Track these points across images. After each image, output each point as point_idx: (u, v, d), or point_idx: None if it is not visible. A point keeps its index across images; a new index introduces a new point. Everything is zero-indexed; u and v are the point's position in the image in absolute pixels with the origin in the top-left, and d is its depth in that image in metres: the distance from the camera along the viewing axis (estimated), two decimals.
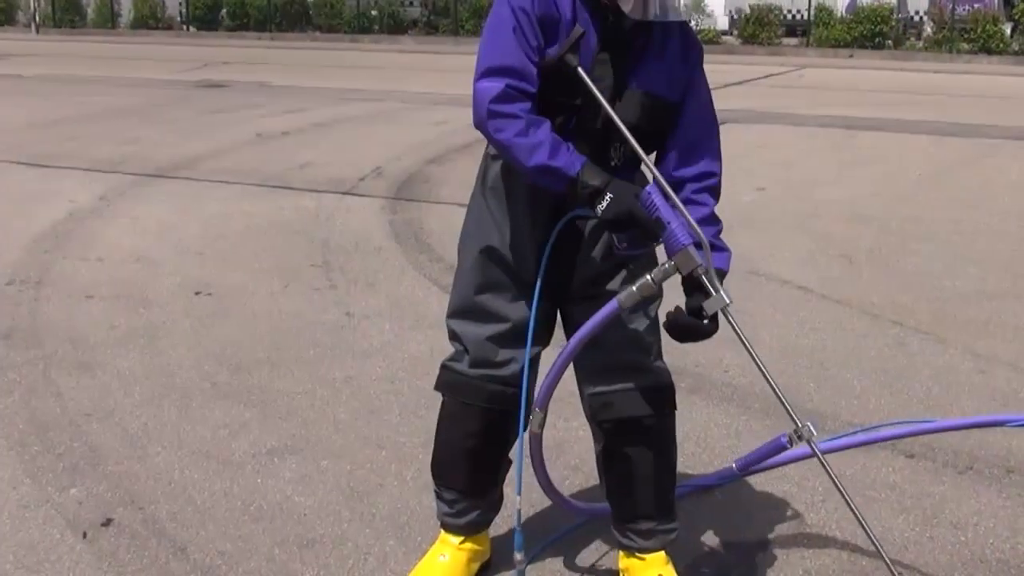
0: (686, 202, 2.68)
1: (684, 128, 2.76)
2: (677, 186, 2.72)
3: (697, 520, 3.42)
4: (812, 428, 2.61)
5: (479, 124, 2.60)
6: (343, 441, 4.03)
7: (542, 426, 2.86)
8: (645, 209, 2.53)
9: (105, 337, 5.13)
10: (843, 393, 4.52)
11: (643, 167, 2.76)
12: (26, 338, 5.13)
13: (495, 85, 2.55)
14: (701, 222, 2.65)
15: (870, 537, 2.62)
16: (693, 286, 2.60)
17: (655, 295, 2.65)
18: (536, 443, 2.90)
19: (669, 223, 2.52)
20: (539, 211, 2.76)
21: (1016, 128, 12.01)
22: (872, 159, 10.15)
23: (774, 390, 2.66)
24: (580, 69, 2.56)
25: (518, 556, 2.86)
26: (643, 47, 2.68)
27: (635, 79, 2.67)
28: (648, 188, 2.56)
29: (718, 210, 2.80)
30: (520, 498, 2.83)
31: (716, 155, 2.81)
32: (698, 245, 2.54)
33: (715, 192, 2.80)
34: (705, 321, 2.59)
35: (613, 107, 2.61)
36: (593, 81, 2.60)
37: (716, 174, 2.79)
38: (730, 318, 2.60)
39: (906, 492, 3.65)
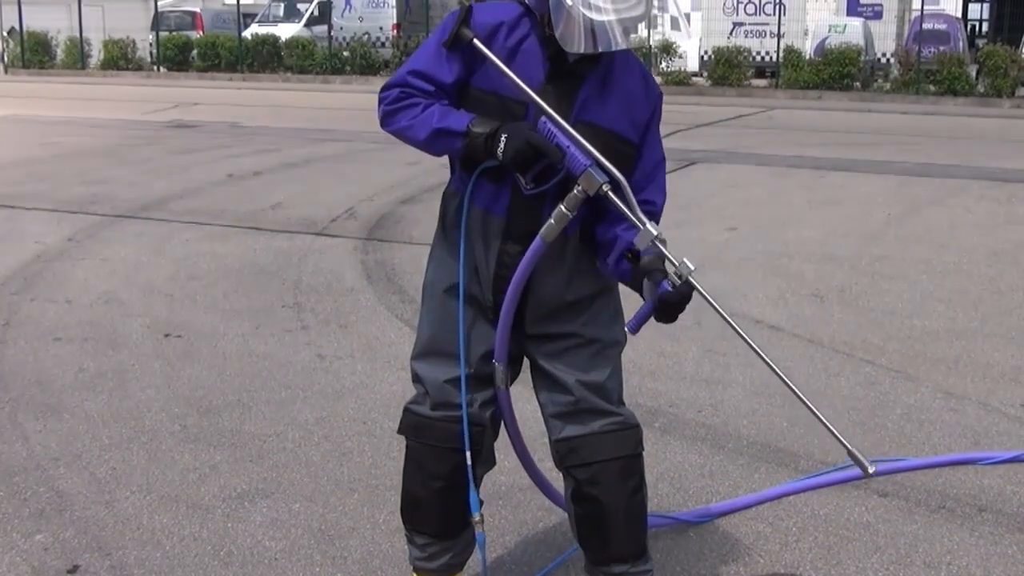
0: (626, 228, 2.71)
1: (637, 168, 2.78)
2: (618, 217, 2.73)
3: (672, 562, 3.41)
4: (689, 263, 2.55)
5: (380, 125, 2.78)
6: (315, 484, 3.99)
7: (504, 381, 2.86)
8: (543, 137, 2.59)
9: (73, 380, 5.08)
10: (815, 432, 4.52)
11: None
12: None
13: (390, 92, 2.73)
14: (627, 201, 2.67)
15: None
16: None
17: (568, 221, 2.63)
18: (505, 400, 2.91)
19: (568, 147, 2.58)
20: (490, 243, 2.78)
21: (982, 168, 12.16)
22: (841, 199, 10.24)
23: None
24: (476, 41, 2.64)
25: (476, 516, 2.86)
26: (603, 83, 2.70)
27: (590, 113, 2.69)
28: (542, 119, 2.60)
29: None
30: (469, 454, 2.81)
31: (660, 188, 2.84)
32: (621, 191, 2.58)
33: (653, 218, 2.78)
34: (667, 286, 2.56)
35: None
36: (539, 111, 2.63)
37: (655, 203, 2.81)
38: (665, 250, 2.57)
39: (879, 531, 3.65)
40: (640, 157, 2.79)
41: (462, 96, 2.72)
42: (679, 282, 2.56)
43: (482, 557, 2.92)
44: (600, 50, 2.55)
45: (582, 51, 2.56)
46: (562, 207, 2.60)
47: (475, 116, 2.65)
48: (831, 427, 2.69)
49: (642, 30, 27.68)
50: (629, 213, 2.58)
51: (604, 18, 2.50)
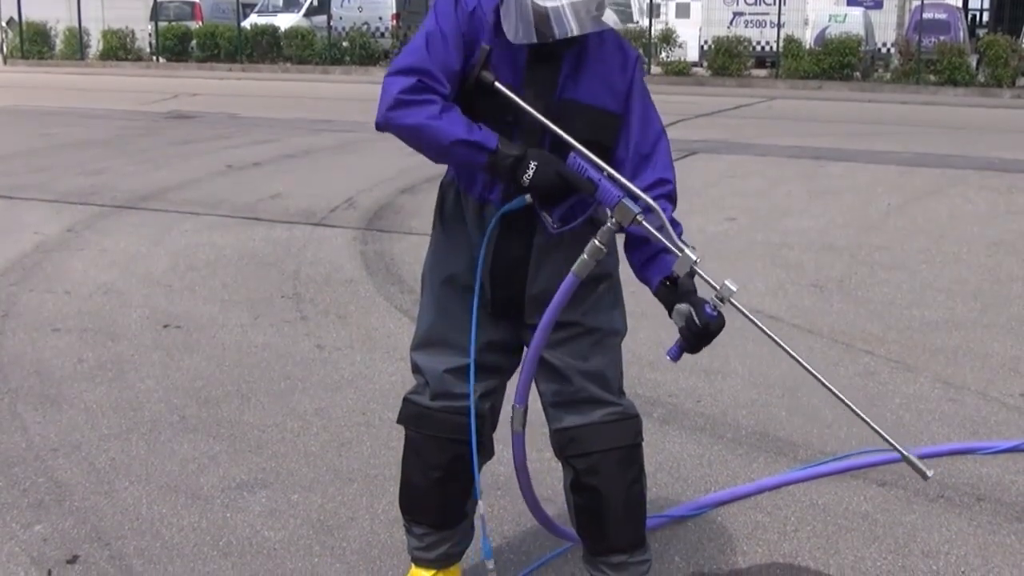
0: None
1: (633, 141, 2.74)
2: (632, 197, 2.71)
3: (671, 551, 3.41)
4: (731, 284, 2.52)
5: (384, 116, 2.58)
6: (313, 474, 3.99)
7: (523, 424, 2.82)
8: (574, 170, 2.55)
9: (72, 370, 5.08)
10: (815, 422, 4.52)
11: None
12: None
13: (407, 79, 2.57)
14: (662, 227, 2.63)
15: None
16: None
17: (603, 255, 2.60)
18: (519, 444, 2.86)
19: (600, 180, 2.54)
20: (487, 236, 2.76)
21: (982, 158, 12.15)
22: (841, 189, 10.23)
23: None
24: (498, 84, 2.59)
25: (489, 564, 2.82)
26: (578, 59, 2.68)
27: (569, 91, 2.67)
28: (572, 154, 2.57)
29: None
30: (482, 503, 2.78)
31: (668, 164, 2.79)
32: (648, 210, 2.54)
33: (671, 198, 2.76)
34: (710, 311, 2.53)
35: (550, 120, 2.61)
36: (525, 96, 2.61)
37: (670, 181, 2.77)
38: (704, 274, 2.55)
39: (878, 521, 3.65)
40: (629, 125, 2.73)
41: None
42: (722, 305, 2.52)
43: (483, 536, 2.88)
44: (557, 37, 2.50)
45: (535, 40, 2.52)
46: (596, 241, 2.56)
47: (501, 136, 2.60)
48: (888, 437, 2.64)
49: (642, 20, 27.66)
50: (666, 241, 2.54)
51: (555, 4, 2.49)
